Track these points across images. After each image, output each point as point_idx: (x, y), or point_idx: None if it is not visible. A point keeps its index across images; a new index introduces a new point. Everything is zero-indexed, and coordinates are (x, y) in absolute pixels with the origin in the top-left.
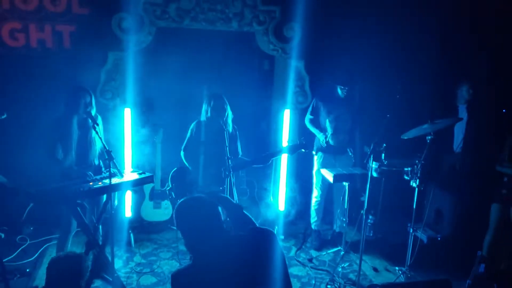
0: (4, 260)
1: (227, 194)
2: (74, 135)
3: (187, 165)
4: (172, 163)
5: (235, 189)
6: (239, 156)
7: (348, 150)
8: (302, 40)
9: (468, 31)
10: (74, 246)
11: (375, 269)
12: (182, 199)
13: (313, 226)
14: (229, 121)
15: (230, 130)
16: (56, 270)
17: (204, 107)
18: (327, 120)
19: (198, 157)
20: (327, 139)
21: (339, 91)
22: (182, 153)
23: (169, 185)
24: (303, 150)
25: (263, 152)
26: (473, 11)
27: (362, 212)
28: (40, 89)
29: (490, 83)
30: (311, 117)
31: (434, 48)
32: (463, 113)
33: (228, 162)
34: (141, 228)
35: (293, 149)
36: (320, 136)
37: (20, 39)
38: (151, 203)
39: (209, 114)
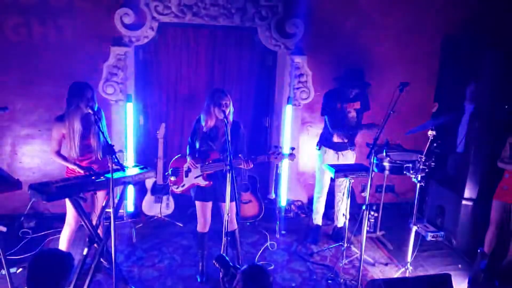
0: (6, 254)
1: (227, 190)
2: (78, 131)
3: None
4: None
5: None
6: (244, 153)
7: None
8: (305, 36)
9: (475, 28)
10: (77, 241)
11: (377, 265)
12: None
13: (314, 221)
14: (231, 117)
15: (231, 125)
16: (37, 266)
17: (207, 102)
18: (335, 117)
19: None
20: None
21: (347, 91)
22: (188, 146)
23: (168, 173)
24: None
25: (266, 148)
26: (481, 7)
27: (363, 207)
28: (41, 83)
29: (494, 81)
30: (326, 116)
31: (438, 44)
32: (470, 111)
33: (230, 157)
34: (143, 222)
35: (278, 157)
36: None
37: (22, 33)
38: (152, 197)
39: (211, 110)
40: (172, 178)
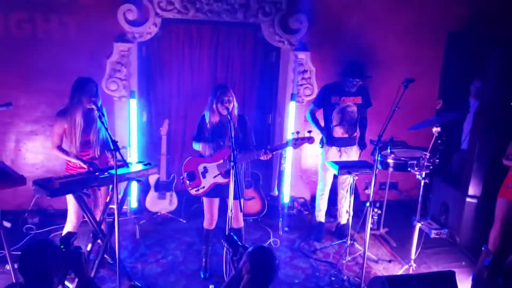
0: (11, 249)
1: (231, 186)
2: (79, 126)
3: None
4: (177, 154)
5: (243, 180)
6: (254, 145)
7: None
8: (308, 32)
9: (480, 24)
10: (80, 237)
11: (380, 262)
12: None
13: (317, 218)
14: (235, 112)
15: (236, 121)
16: (27, 259)
17: (210, 99)
18: (333, 112)
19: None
20: (330, 137)
21: (348, 83)
22: (193, 142)
23: (183, 177)
24: (307, 143)
25: (268, 145)
26: (486, 4)
27: (367, 204)
28: (45, 79)
29: (499, 77)
30: (314, 107)
31: (443, 40)
32: (474, 108)
33: (234, 154)
34: (146, 218)
35: (298, 143)
36: (322, 134)
37: (26, 29)
38: (156, 194)
39: (214, 106)
40: (188, 182)
